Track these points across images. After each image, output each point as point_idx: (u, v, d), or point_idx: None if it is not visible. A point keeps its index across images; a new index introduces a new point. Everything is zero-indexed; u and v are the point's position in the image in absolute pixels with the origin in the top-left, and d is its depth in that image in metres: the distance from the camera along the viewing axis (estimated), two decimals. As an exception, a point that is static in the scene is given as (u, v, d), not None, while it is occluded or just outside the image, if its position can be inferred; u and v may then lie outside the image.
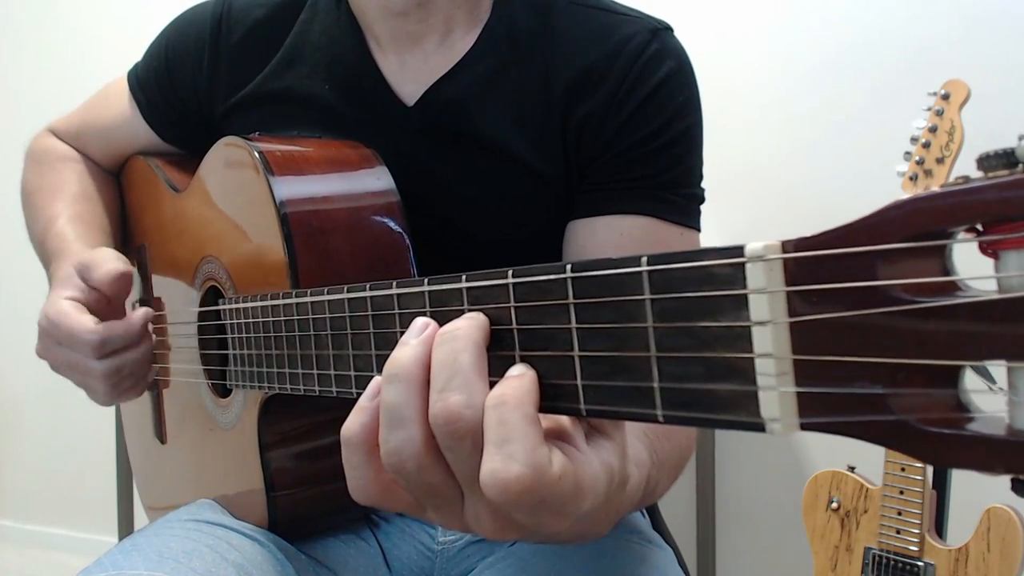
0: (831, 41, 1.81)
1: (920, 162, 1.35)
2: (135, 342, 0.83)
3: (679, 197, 0.83)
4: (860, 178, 1.76)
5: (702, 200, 0.86)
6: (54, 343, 0.82)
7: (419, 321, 0.45)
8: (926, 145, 1.34)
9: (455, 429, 0.40)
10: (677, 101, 0.82)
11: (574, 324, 0.39)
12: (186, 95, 0.97)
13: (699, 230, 0.86)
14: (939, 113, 1.34)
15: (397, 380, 0.43)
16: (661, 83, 0.81)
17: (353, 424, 0.46)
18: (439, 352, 0.42)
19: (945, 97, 1.34)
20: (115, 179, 1.12)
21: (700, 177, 0.86)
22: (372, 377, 0.55)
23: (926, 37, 1.72)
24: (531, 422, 0.39)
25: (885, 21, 1.76)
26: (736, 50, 1.89)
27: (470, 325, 0.42)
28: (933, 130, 1.34)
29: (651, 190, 0.82)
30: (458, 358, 0.41)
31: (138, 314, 0.83)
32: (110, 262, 0.83)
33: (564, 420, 0.44)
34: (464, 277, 0.45)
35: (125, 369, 0.81)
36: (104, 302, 0.84)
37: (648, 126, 0.81)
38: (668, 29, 0.85)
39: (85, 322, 0.80)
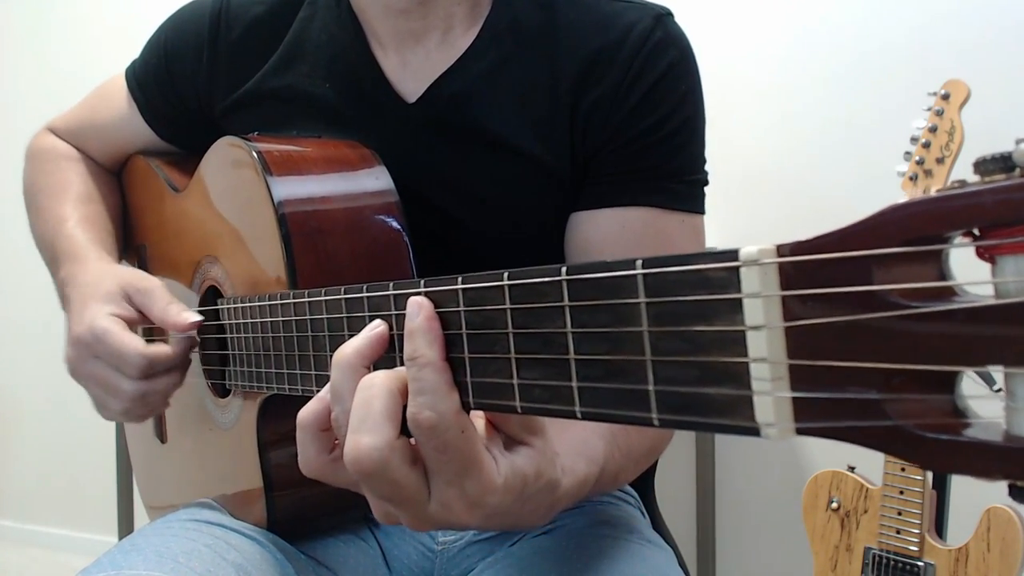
0: (831, 42, 1.81)
1: (920, 162, 1.35)
2: (173, 371, 0.82)
3: (682, 185, 0.83)
4: (860, 178, 1.76)
5: (705, 183, 0.86)
6: (91, 356, 0.80)
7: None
8: (926, 145, 1.34)
9: (362, 468, 0.46)
10: (680, 90, 0.83)
11: (569, 327, 0.39)
12: (185, 93, 0.96)
13: (703, 212, 0.86)
14: (939, 113, 1.34)
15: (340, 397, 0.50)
16: (665, 72, 0.82)
17: (307, 410, 0.53)
18: (356, 398, 0.48)
19: (945, 97, 1.34)
20: (116, 179, 1.11)
21: (703, 161, 0.86)
22: None
23: (926, 37, 1.72)
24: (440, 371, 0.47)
25: (885, 21, 1.76)
26: (737, 51, 1.89)
27: (388, 376, 0.48)
28: (933, 130, 1.34)
29: (654, 181, 0.82)
30: (371, 404, 0.47)
31: (184, 343, 0.82)
32: (184, 310, 0.81)
33: (481, 430, 0.50)
34: (460, 279, 0.45)
35: (151, 396, 0.80)
36: (136, 325, 0.84)
37: (652, 116, 0.81)
38: (669, 14, 0.85)
39: (134, 343, 0.78)
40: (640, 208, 0.82)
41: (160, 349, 0.79)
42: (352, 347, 0.51)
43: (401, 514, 0.50)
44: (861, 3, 1.79)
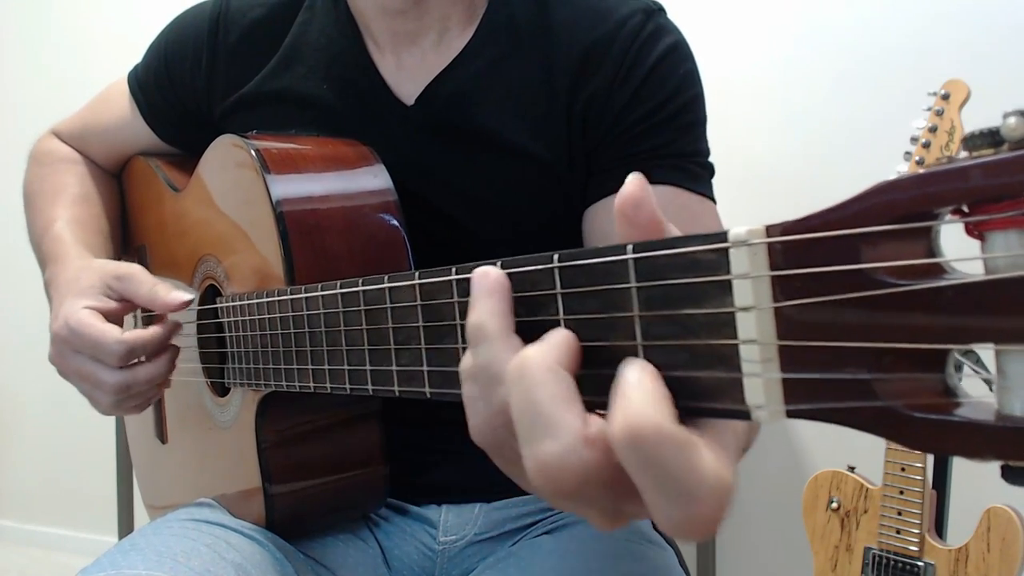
0: (832, 42, 1.81)
1: (920, 162, 1.35)
2: (156, 357, 0.81)
3: (694, 165, 0.82)
4: (860, 178, 1.74)
5: (713, 172, 0.85)
6: (71, 351, 0.80)
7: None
8: (926, 145, 1.34)
9: (563, 481, 0.35)
10: (679, 73, 0.82)
11: (561, 315, 0.39)
12: (185, 95, 0.97)
13: (715, 202, 0.84)
14: (939, 113, 1.34)
15: (483, 340, 0.40)
16: (662, 57, 0.81)
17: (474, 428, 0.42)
18: (513, 400, 0.37)
19: (945, 97, 1.34)
20: (116, 180, 1.12)
21: (708, 151, 0.85)
22: (366, 372, 0.55)
23: (927, 37, 1.72)
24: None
25: (886, 21, 1.76)
26: (737, 50, 1.89)
27: (541, 352, 0.37)
28: (933, 130, 1.34)
29: (665, 159, 0.81)
30: (533, 397, 0.36)
31: (167, 327, 0.81)
32: (173, 289, 0.80)
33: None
34: (454, 270, 0.45)
35: (135, 387, 0.80)
36: (119, 316, 0.84)
37: (654, 99, 0.81)
38: (662, 10, 0.85)
39: (111, 331, 0.78)
40: (656, 186, 0.78)
41: (138, 333, 0.79)
42: (487, 312, 0.40)
43: (639, 509, 0.37)
44: (862, 3, 1.79)
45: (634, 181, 0.39)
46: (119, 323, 0.83)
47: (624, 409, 0.33)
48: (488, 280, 0.41)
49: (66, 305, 0.81)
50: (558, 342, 0.37)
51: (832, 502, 1.43)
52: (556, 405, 0.35)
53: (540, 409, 0.35)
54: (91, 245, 0.96)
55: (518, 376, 0.36)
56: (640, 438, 0.32)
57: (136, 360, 0.80)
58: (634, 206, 0.39)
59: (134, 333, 0.78)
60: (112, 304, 0.82)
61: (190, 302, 0.80)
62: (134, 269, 0.83)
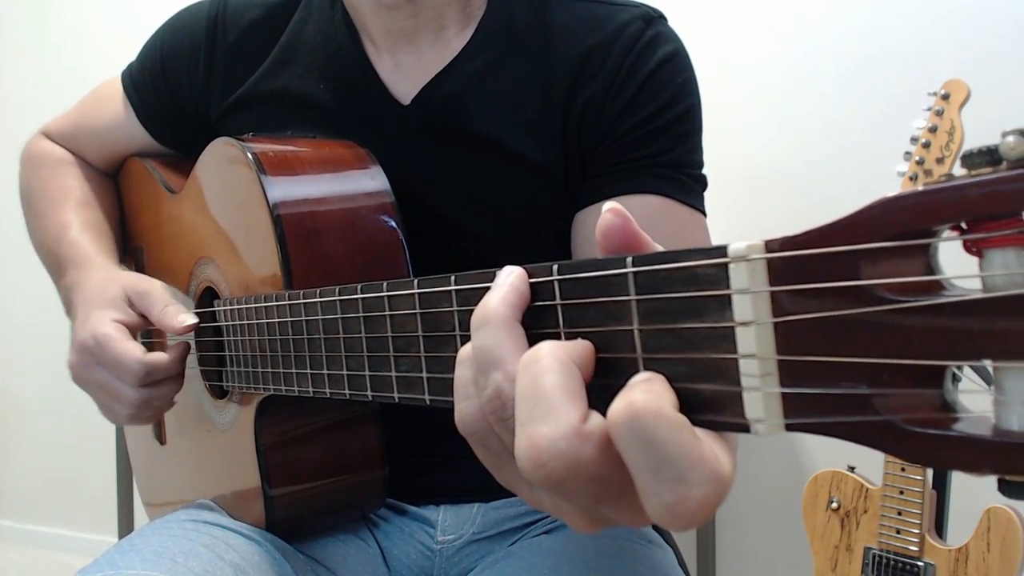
0: (832, 42, 1.81)
1: (920, 162, 1.34)
2: (174, 377, 0.83)
3: (686, 177, 0.82)
4: (860, 178, 1.75)
5: (706, 185, 0.85)
6: (95, 363, 0.81)
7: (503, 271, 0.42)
8: (926, 145, 1.34)
9: (551, 468, 0.35)
10: (677, 81, 0.82)
11: (562, 327, 0.39)
12: (181, 96, 0.96)
13: (706, 215, 0.84)
14: (939, 113, 1.34)
15: (486, 324, 0.40)
16: (660, 64, 0.81)
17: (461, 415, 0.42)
18: (520, 381, 0.37)
19: (945, 97, 1.34)
20: (112, 181, 1.11)
21: (702, 163, 0.85)
22: (365, 377, 0.55)
23: (926, 37, 1.72)
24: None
25: (885, 21, 1.76)
26: (736, 50, 1.89)
27: (555, 345, 0.37)
28: (933, 130, 1.34)
29: (657, 168, 0.80)
30: (539, 381, 0.36)
31: (180, 349, 0.83)
32: (181, 312, 0.82)
33: None
34: (453, 279, 0.45)
35: (154, 402, 0.81)
36: (139, 330, 0.85)
37: (651, 105, 0.81)
38: (662, 17, 0.85)
39: (134, 351, 0.79)
40: (646, 196, 0.80)
41: (158, 357, 0.80)
42: (497, 299, 0.40)
43: (618, 514, 0.39)
44: (861, 3, 1.79)
45: (611, 209, 0.41)
46: (136, 336, 0.84)
47: (626, 397, 0.34)
48: (505, 273, 0.41)
49: (94, 315, 0.82)
50: (575, 343, 0.38)
51: (832, 502, 1.43)
52: (559, 393, 0.35)
53: (544, 394, 0.35)
54: (107, 252, 0.96)
55: (530, 361, 0.37)
56: (638, 418, 0.33)
57: (155, 380, 0.81)
58: (608, 238, 0.40)
59: (154, 357, 0.80)
60: (135, 318, 0.84)
61: (196, 325, 0.81)
62: (153, 286, 0.85)
